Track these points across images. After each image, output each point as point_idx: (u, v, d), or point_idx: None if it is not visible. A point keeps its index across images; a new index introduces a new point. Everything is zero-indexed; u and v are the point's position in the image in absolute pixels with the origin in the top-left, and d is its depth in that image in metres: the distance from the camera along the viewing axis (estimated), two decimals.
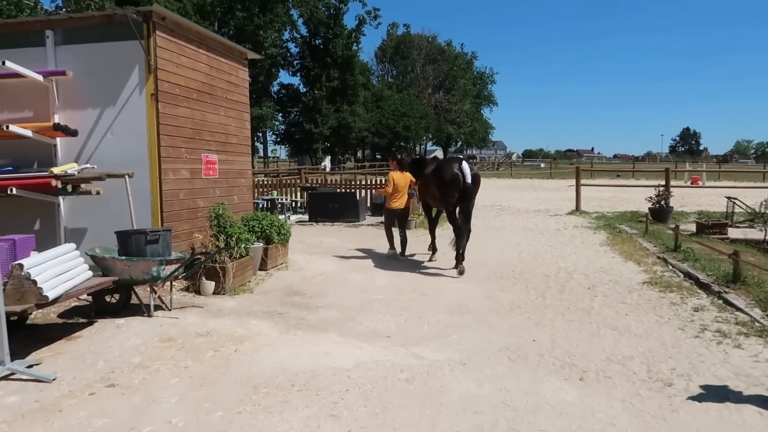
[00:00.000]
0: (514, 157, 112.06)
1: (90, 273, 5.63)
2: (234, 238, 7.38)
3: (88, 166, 7.07)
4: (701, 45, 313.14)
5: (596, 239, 11.76)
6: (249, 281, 7.74)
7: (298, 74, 52.60)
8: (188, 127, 7.71)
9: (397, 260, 9.55)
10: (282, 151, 66.02)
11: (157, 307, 6.25)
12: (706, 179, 35.61)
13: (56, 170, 6.67)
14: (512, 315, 6.02)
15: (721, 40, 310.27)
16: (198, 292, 7.05)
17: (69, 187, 6.77)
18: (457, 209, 8.71)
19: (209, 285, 7.02)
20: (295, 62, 52.37)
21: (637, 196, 24.05)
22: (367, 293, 7.13)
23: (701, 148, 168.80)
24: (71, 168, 6.83)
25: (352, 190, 17.21)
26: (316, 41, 50.98)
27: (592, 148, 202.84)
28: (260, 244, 8.34)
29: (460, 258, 8.49)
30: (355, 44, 51.73)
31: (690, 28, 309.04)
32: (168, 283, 6.22)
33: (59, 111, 7.31)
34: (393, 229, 9.97)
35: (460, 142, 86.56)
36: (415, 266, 9.03)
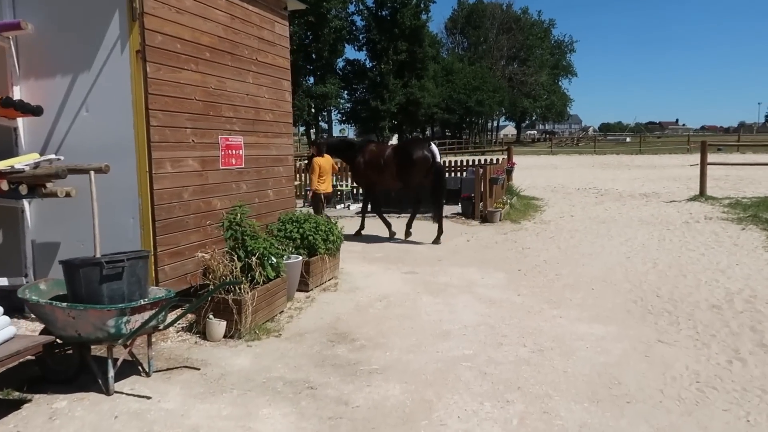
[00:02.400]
0: (590, 132, 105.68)
1: (12, 330, 3.56)
2: (256, 256, 5.15)
3: (53, 157, 5.02)
4: None
5: (752, 239, 8.76)
6: (280, 312, 5.53)
7: (364, 48, 50.20)
8: (197, 99, 5.51)
9: (483, 277, 7.05)
10: (350, 131, 64.30)
11: (131, 368, 4.14)
12: None
13: (1, 165, 4.65)
14: (713, 411, 3.42)
15: None
16: (204, 333, 4.92)
17: (23, 188, 4.73)
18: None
19: (218, 327, 4.84)
20: (360, 36, 49.95)
21: (757, 174, 20.28)
22: (448, 341, 4.73)
23: None
24: (25, 161, 4.79)
25: None
26: (383, 12, 48.22)
27: (677, 120, 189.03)
28: (299, 258, 6.11)
29: (407, 233, 9.51)
30: (423, 13, 48.57)
31: None
32: (149, 334, 4.07)
33: (21, 80, 5.30)
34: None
35: (535, 117, 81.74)
36: (509, 283, 6.53)
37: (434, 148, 9.04)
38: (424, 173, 8.97)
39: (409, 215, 12.23)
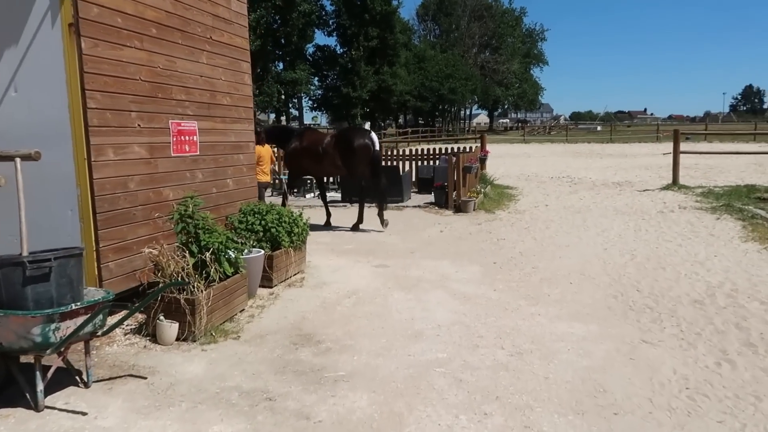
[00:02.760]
0: (561, 120, 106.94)
1: None
2: (210, 252, 4.71)
3: None
4: None
5: (727, 229, 8.63)
6: (240, 311, 5.11)
7: (334, 34, 49.31)
8: (143, 80, 5.00)
9: (457, 270, 6.73)
10: (323, 118, 63.26)
11: (68, 378, 3.69)
12: None
13: None
14: (707, 424, 3.13)
15: None
16: (154, 336, 4.48)
17: None
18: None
19: (169, 329, 4.40)
20: (330, 21, 49.03)
21: (725, 163, 20.48)
22: (420, 342, 4.38)
23: (765, 106, 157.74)
24: None
25: (394, 163, 14.36)
26: None
27: (645, 109, 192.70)
28: (260, 252, 5.68)
29: (356, 226, 9.34)
30: None
31: None
32: (86, 340, 3.62)
33: None
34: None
35: (507, 105, 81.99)
36: (485, 277, 6.22)
37: (374, 136, 9.11)
38: (366, 162, 8.95)
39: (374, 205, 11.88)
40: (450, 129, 67.11)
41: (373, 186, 9.22)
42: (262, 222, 6.05)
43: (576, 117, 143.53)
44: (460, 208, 10.85)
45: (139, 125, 4.95)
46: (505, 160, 25.23)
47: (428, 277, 6.31)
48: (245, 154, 6.73)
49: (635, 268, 6.58)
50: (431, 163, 14.14)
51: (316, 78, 49.99)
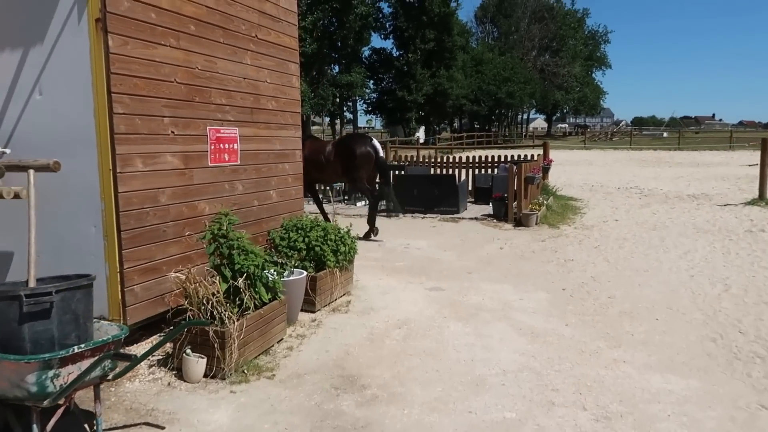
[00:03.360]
0: (623, 125, 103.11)
1: None
2: (244, 276, 4.17)
3: None
4: None
5: None
6: (278, 342, 4.56)
7: (391, 36, 48.77)
8: (178, 82, 4.53)
9: (521, 297, 5.98)
10: (377, 122, 62.81)
11: (75, 426, 3.22)
12: None
13: None
14: None
15: None
16: (180, 370, 3.98)
17: None
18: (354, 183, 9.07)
19: (196, 365, 3.89)
20: (387, 24, 48.55)
21: None
22: (483, 394, 3.69)
23: None
24: None
25: (450, 171, 13.62)
26: None
27: (713, 115, 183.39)
28: (302, 274, 5.12)
29: (372, 229, 8.97)
30: (453, 1, 46.95)
31: None
32: (96, 384, 3.13)
33: None
34: None
35: (567, 110, 79.40)
36: (553, 307, 5.44)
37: (376, 143, 9.01)
38: (369, 169, 8.84)
39: (435, 215, 11.22)
40: (507, 134, 65.54)
41: (385, 192, 9.32)
42: (306, 239, 5.50)
43: (638, 122, 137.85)
44: (520, 222, 10.04)
45: (172, 132, 4.48)
46: (566, 167, 24.01)
47: (488, 305, 5.60)
48: (291, 163, 6.21)
49: (732, 301, 5.66)
50: (489, 171, 13.34)
51: (372, 81, 49.62)
